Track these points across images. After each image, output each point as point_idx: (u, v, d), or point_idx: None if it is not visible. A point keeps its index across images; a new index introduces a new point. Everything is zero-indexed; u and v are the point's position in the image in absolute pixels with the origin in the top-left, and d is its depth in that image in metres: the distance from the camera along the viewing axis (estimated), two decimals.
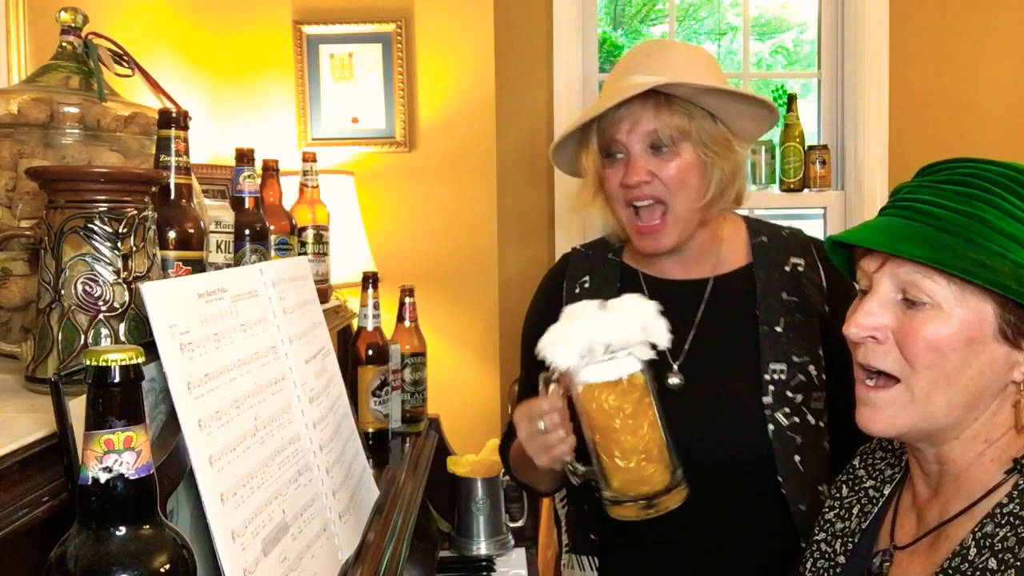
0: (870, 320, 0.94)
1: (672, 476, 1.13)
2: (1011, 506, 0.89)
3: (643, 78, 1.35)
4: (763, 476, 1.35)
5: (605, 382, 1.11)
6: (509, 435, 1.55)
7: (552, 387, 1.17)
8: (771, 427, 1.35)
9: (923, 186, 0.95)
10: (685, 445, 1.16)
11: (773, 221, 1.54)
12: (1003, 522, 0.89)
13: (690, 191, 1.36)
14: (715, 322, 1.41)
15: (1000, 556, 0.86)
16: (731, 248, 1.46)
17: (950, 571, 0.90)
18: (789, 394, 1.36)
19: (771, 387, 1.36)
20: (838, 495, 1.15)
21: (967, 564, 0.88)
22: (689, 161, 1.36)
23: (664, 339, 1.13)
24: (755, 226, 1.49)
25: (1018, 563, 0.84)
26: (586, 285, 1.49)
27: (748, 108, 1.40)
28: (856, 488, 1.13)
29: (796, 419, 1.36)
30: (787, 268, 1.42)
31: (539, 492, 1.58)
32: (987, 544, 0.88)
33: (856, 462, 1.16)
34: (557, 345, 1.11)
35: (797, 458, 1.35)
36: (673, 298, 1.42)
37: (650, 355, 1.13)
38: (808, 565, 1.13)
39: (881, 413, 0.95)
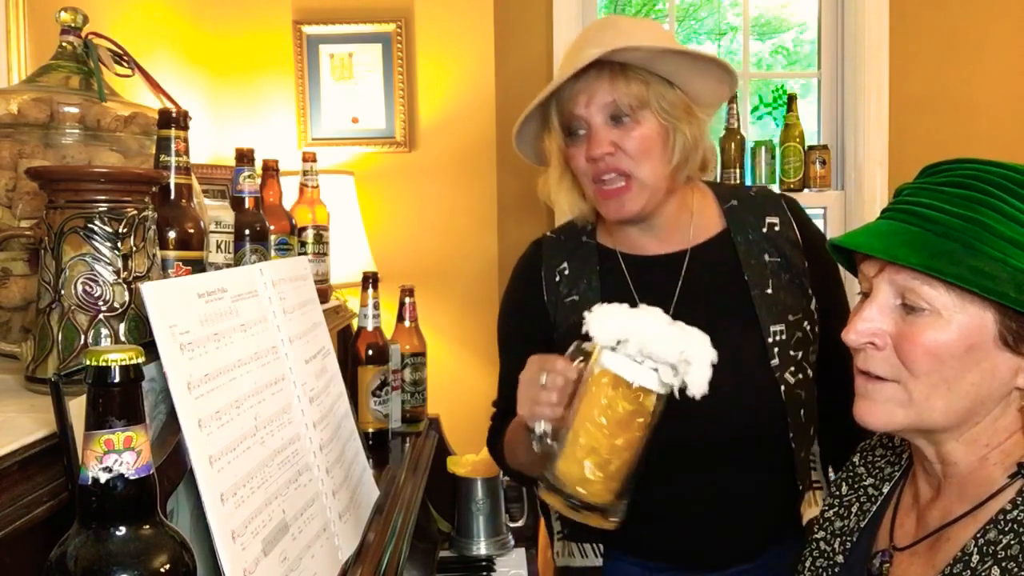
0: (868, 326, 0.93)
1: (612, 500, 1.09)
2: (1015, 512, 0.88)
3: (595, 50, 1.34)
4: (773, 437, 1.37)
5: (618, 376, 1.08)
6: (498, 424, 1.54)
7: (578, 361, 1.14)
8: (782, 388, 1.36)
9: (924, 188, 0.94)
10: (691, 416, 1.13)
11: (736, 183, 1.56)
12: (1007, 529, 0.87)
13: (654, 159, 1.36)
14: (700, 292, 1.41)
15: (1004, 565, 0.85)
16: (703, 216, 1.46)
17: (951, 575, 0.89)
18: (791, 352, 1.38)
19: (776, 348, 1.37)
20: (837, 493, 1.14)
21: (969, 571, 0.87)
22: (651, 128, 1.36)
23: (698, 388, 1.08)
24: (722, 191, 1.49)
25: (1012, 566, 0.83)
26: (565, 272, 1.48)
27: (706, 70, 1.39)
28: (855, 486, 1.12)
29: (800, 375, 1.38)
30: (764, 229, 1.43)
31: (528, 479, 1.54)
32: (990, 551, 0.87)
33: (856, 459, 1.15)
34: (603, 319, 1.09)
35: (802, 412, 1.38)
36: (652, 273, 1.43)
37: (671, 387, 1.09)
38: (807, 564, 1.12)
39: (879, 407, 0.94)
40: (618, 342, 1.08)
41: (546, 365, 1.16)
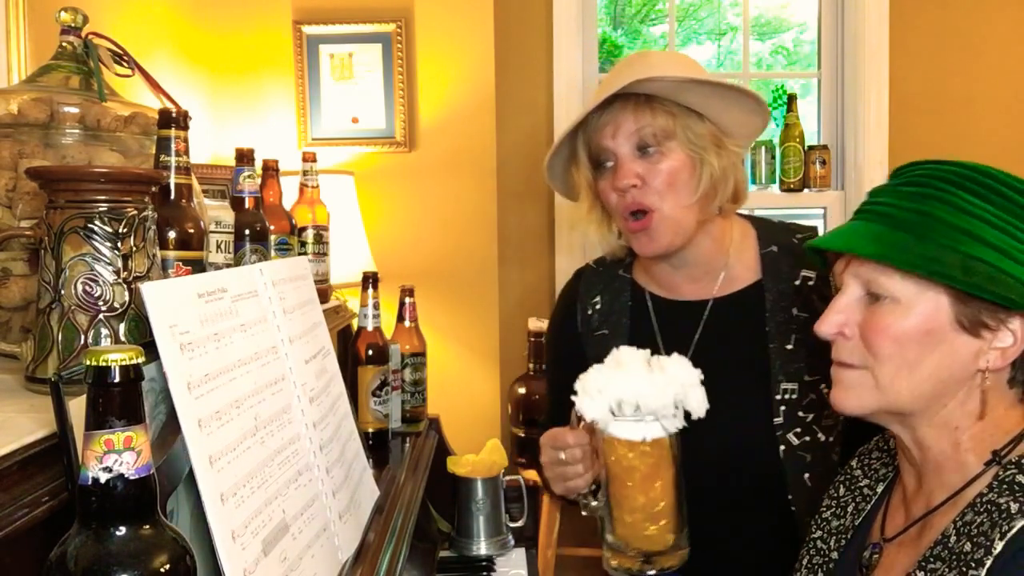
0: (837, 318, 1.00)
1: (675, 537, 1.14)
2: (990, 495, 0.92)
3: (620, 82, 1.34)
4: (772, 494, 1.34)
5: (627, 440, 1.12)
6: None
7: (581, 423, 1.18)
8: (782, 447, 1.33)
9: (884, 189, 1.01)
10: (691, 462, 1.16)
11: (787, 222, 1.51)
12: (981, 510, 0.91)
13: (679, 192, 1.35)
14: (718, 342, 1.39)
15: (975, 540, 0.89)
16: (739, 261, 1.43)
17: (931, 558, 0.93)
18: (800, 414, 1.34)
19: (782, 407, 1.34)
20: (835, 494, 1.16)
21: (947, 551, 0.91)
22: (678, 160, 1.35)
23: (700, 410, 1.12)
24: (766, 233, 1.46)
25: (987, 543, 0.86)
26: (598, 306, 1.48)
27: (734, 103, 1.38)
28: (852, 487, 1.15)
29: (807, 438, 1.34)
30: (797, 282, 1.39)
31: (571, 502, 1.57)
32: (966, 531, 0.91)
33: (854, 463, 1.17)
34: (589, 395, 1.13)
35: (807, 475, 1.34)
36: (676, 318, 1.42)
37: (679, 425, 1.12)
38: (804, 562, 1.15)
39: (850, 392, 1.00)
40: (609, 410, 1.11)
41: (558, 443, 1.21)
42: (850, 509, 1.12)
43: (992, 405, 0.95)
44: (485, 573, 1.76)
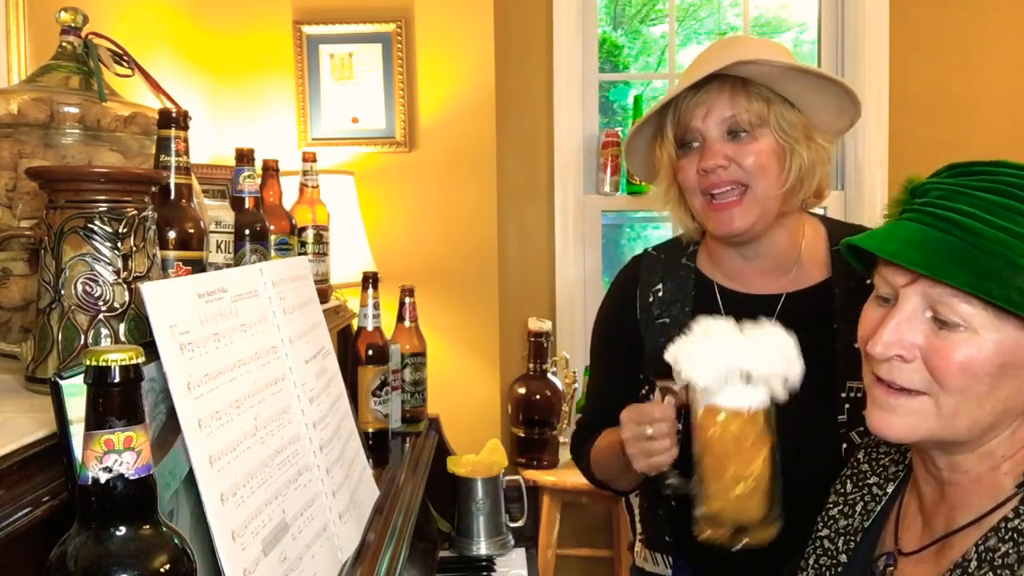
0: (898, 338, 0.90)
1: (770, 511, 1.13)
2: (1016, 521, 0.87)
3: (716, 63, 1.32)
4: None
5: (734, 409, 1.10)
6: (583, 432, 1.54)
7: (668, 397, 1.17)
8: (844, 445, 1.32)
9: (958, 192, 0.89)
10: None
11: (856, 224, 1.48)
12: (1006, 537, 0.87)
13: (769, 177, 1.32)
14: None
15: (999, 572, 0.85)
16: (810, 257, 1.41)
17: None
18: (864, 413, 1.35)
19: (847, 405, 1.32)
20: (842, 490, 1.13)
21: None
22: (768, 146, 1.32)
23: (798, 379, 1.10)
24: (837, 232, 1.43)
25: (1008, 574, 0.83)
26: (660, 293, 1.46)
27: (829, 99, 1.36)
28: (860, 484, 1.11)
29: (869, 437, 1.33)
30: (868, 281, 1.39)
31: (616, 491, 1.57)
32: (987, 558, 0.87)
33: (860, 456, 1.15)
34: (696, 362, 1.10)
35: None
36: (746, 312, 1.40)
37: (785, 393, 1.10)
38: (811, 561, 1.12)
39: (901, 420, 0.92)
40: (717, 378, 1.09)
41: (644, 417, 1.19)
42: (858, 509, 1.09)
43: None
44: (485, 573, 1.76)
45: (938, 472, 0.97)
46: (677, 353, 1.12)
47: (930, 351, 0.88)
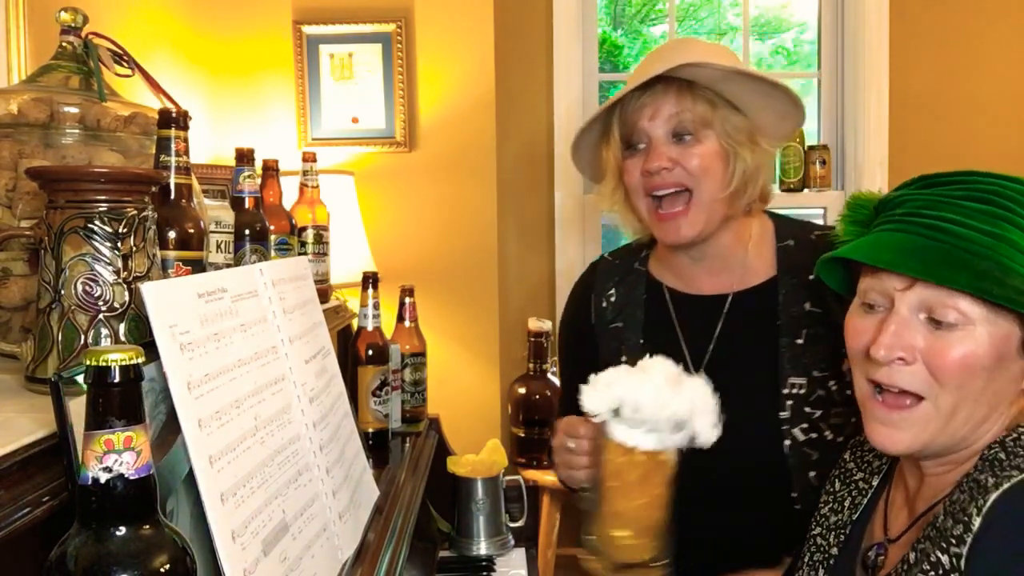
0: (900, 341, 0.93)
1: (651, 556, 1.12)
2: (974, 474, 0.92)
3: (663, 65, 1.33)
4: (776, 491, 1.34)
5: (620, 443, 1.10)
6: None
7: (597, 419, 1.17)
8: (787, 442, 1.32)
9: (940, 201, 0.93)
10: (697, 453, 1.14)
11: (805, 220, 1.50)
12: (964, 488, 0.91)
13: (714, 179, 1.33)
14: (735, 336, 1.39)
15: (956, 516, 0.89)
16: (758, 255, 1.42)
17: (923, 539, 0.93)
18: (807, 409, 1.34)
19: (788, 402, 1.33)
20: (831, 490, 1.16)
21: (935, 531, 0.91)
22: (712, 149, 1.33)
23: (706, 437, 1.10)
24: (784, 228, 1.45)
25: (966, 519, 0.87)
26: (612, 299, 1.48)
27: (773, 103, 1.38)
28: (847, 481, 1.15)
29: (813, 435, 1.33)
30: (812, 277, 1.36)
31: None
32: (951, 511, 0.91)
33: (847, 455, 1.17)
34: (596, 388, 1.11)
35: (812, 474, 1.33)
36: (695, 312, 1.41)
37: (678, 445, 1.10)
38: (805, 559, 1.15)
39: (903, 434, 0.95)
40: (615, 411, 1.09)
41: (570, 430, 1.22)
42: (847, 504, 1.12)
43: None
44: (485, 573, 1.76)
45: (924, 467, 1.01)
46: (592, 380, 1.12)
47: (929, 351, 0.92)
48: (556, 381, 2.77)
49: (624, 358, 1.40)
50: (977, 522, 0.86)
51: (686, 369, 1.30)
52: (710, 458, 1.20)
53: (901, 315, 0.93)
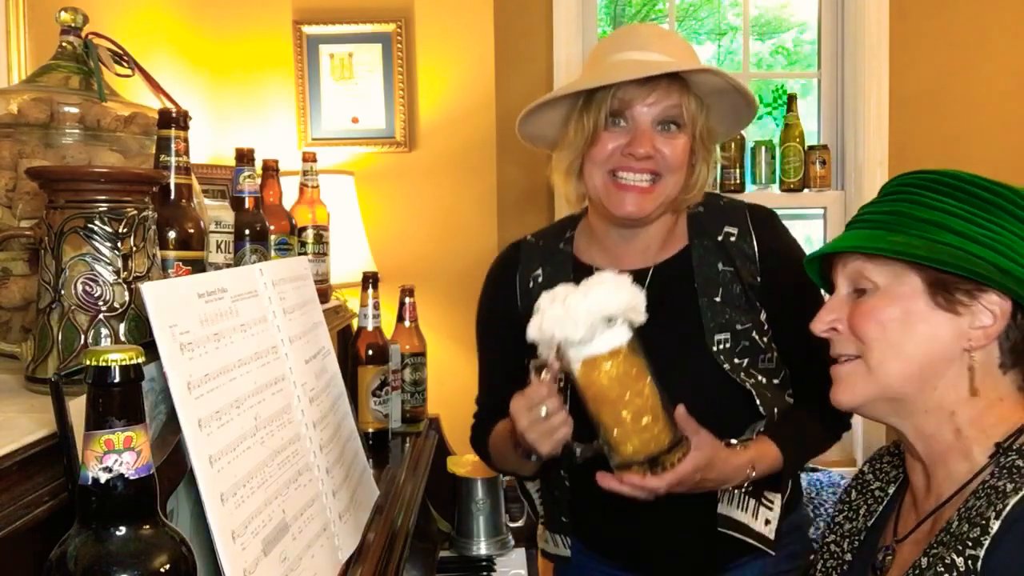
0: (828, 315, 1.07)
1: (673, 432, 1.18)
2: (991, 481, 0.95)
3: (660, 57, 1.36)
4: (737, 419, 1.38)
5: (610, 351, 1.14)
6: (480, 428, 1.57)
7: (544, 373, 1.19)
8: (749, 385, 1.37)
9: (868, 204, 1.10)
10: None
11: (715, 192, 1.56)
12: (981, 495, 0.94)
13: (680, 173, 1.39)
14: (661, 305, 1.39)
15: (973, 521, 0.91)
16: (674, 227, 1.47)
17: (935, 544, 0.95)
18: (736, 360, 1.39)
19: (721, 356, 1.38)
20: (847, 499, 1.20)
21: (949, 536, 0.94)
22: (686, 145, 1.39)
23: (643, 302, 1.17)
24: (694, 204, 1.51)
25: (984, 523, 0.89)
26: (539, 279, 1.49)
27: (733, 118, 1.46)
28: (864, 491, 1.18)
29: (750, 380, 1.38)
30: (719, 238, 1.44)
31: (523, 478, 1.59)
32: (967, 516, 0.93)
33: (865, 468, 1.21)
34: (563, 323, 1.13)
35: (776, 409, 1.39)
36: None
37: (642, 318, 1.16)
38: (819, 566, 1.17)
39: (845, 385, 1.06)
40: (588, 329, 1.13)
41: (533, 399, 1.21)
42: (862, 512, 1.16)
43: (986, 389, 0.99)
44: (485, 573, 1.76)
45: (914, 450, 1.05)
46: (541, 325, 1.16)
47: (851, 316, 1.05)
48: None
49: None
50: (996, 526, 0.88)
51: None
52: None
53: (837, 295, 1.08)
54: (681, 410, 1.19)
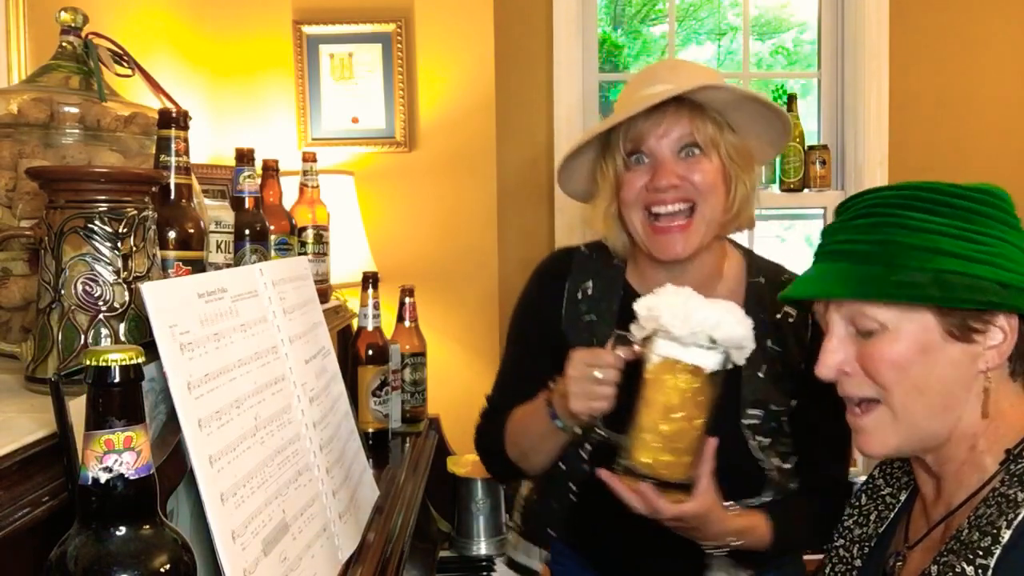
0: (834, 358, 1.02)
1: (688, 476, 1.17)
2: (1001, 488, 0.94)
3: (665, 87, 1.33)
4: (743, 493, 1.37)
5: (694, 367, 1.14)
6: (491, 418, 1.54)
7: (622, 348, 1.20)
8: (768, 470, 1.36)
9: (839, 228, 1.04)
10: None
11: (777, 262, 1.51)
12: (992, 503, 0.93)
13: (717, 197, 1.36)
14: None
15: (983, 529, 0.91)
16: (728, 286, 1.44)
17: (945, 552, 0.95)
18: (760, 438, 1.37)
19: (748, 431, 1.36)
20: (857, 504, 1.18)
21: (959, 544, 0.93)
22: (717, 168, 1.35)
23: (748, 351, 1.16)
24: (755, 265, 1.47)
25: (995, 531, 0.89)
26: (589, 291, 1.47)
27: (768, 129, 1.41)
28: (874, 496, 1.17)
29: (781, 464, 1.38)
30: (778, 316, 1.41)
31: (519, 472, 1.53)
32: (977, 524, 0.93)
33: (876, 472, 1.20)
34: (676, 314, 1.14)
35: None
36: None
37: (739, 362, 1.16)
38: (826, 571, 1.17)
39: (873, 436, 1.02)
40: (690, 332, 1.13)
41: (597, 360, 1.21)
42: (872, 517, 1.14)
43: (997, 400, 0.98)
44: (485, 573, 1.76)
45: (927, 466, 1.04)
46: (652, 304, 1.16)
47: (862, 359, 1.00)
48: None
49: None
50: (1007, 535, 0.88)
51: None
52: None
53: (835, 334, 1.02)
54: (712, 444, 1.18)
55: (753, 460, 1.36)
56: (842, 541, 1.17)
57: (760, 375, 1.38)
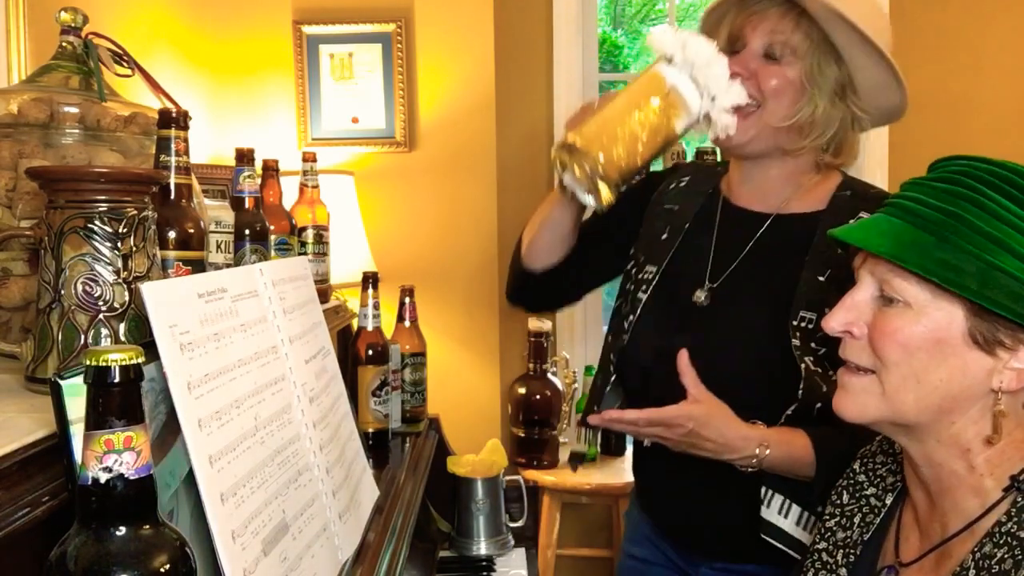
0: (847, 315, 0.96)
1: (619, 179, 1.25)
2: (1009, 525, 0.88)
3: None
4: (772, 404, 1.33)
5: (658, 74, 1.24)
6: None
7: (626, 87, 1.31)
8: (803, 366, 1.31)
9: (917, 184, 0.95)
10: (714, 374, 1.25)
11: (876, 186, 1.55)
12: (1001, 542, 0.87)
13: (780, 104, 1.36)
14: (762, 256, 1.41)
15: (994, 573, 0.85)
16: (812, 192, 1.45)
17: None
18: (814, 345, 1.33)
19: (798, 332, 1.33)
20: (839, 502, 1.12)
21: None
22: (792, 77, 1.36)
23: (723, 124, 1.28)
24: (850, 182, 1.50)
25: None
26: (683, 185, 1.54)
27: (879, 71, 1.43)
28: (857, 495, 1.10)
29: (819, 369, 1.31)
30: (852, 221, 1.32)
31: (536, 280, 1.56)
32: (985, 565, 0.87)
33: (856, 466, 1.13)
34: (688, 43, 1.25)
35: (819, 405, 1.30)
36: (735, 225, 1.45)
37: (698, 112, 1.25)
38: (808, 574, 1.10)
39: (853, 399, 0.96)
40: (680, 49, 1.24)
41: (607, 96, 1.31)
42: (856, 521, 1.08)
43: (1007, 429, 0.90)
44: (485, 573, 1.76)
45: (919, 470, 0.97)
46: (673, 31, 1.27)
47: (873, 327, 0.93)
48: (556, 381, 2.77)
49: (664, 236, 1.47)
50: None
51: (703, 277, 1.42)
52: (729, 379, 1.27)
53: (859, 292, 0.95)
54: (684, 357, 1.21)
55: (792, 364, 1.31)
56: (824, 544, 1.09)
57: (821, 279, 1.35)
